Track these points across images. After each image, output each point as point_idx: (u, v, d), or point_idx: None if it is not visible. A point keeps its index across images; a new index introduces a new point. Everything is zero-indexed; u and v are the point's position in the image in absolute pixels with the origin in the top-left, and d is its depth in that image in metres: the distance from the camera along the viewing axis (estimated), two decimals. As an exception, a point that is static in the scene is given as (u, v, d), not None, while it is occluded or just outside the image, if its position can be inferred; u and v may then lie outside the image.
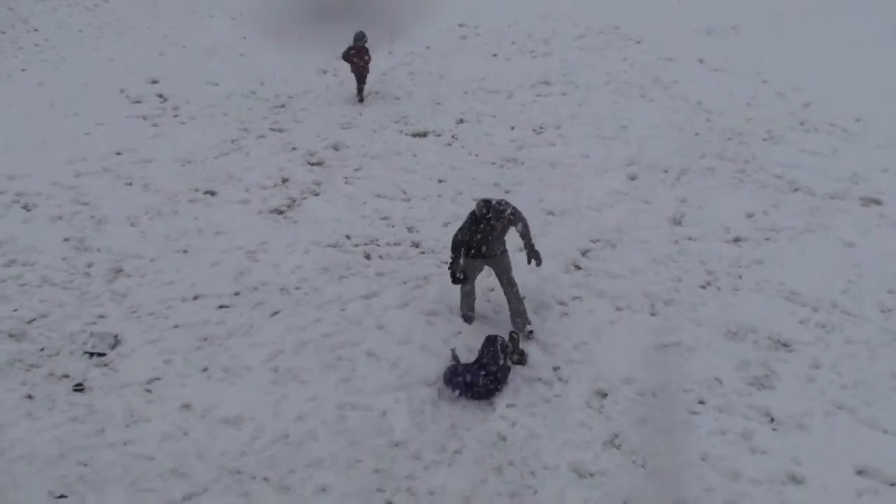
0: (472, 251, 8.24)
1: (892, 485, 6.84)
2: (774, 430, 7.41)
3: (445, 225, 10.35)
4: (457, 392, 7.71)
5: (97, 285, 9.27)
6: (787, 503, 6.72)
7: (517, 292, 8.50)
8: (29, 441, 7.26)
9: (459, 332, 8.59)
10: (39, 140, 11.95)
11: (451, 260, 8.33)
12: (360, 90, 13.82)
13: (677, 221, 10.38)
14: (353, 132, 12.75)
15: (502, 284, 8.52)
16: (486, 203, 8.05)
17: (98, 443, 7.30)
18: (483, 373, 7.71)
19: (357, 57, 13.49)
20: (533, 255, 8.49)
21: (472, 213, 8.16)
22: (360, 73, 13.70)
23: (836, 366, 8.08)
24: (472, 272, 8.51)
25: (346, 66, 13.72)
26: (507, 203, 8.17)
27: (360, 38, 13.38)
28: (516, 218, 8.25)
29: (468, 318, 8.80)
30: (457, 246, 8.25)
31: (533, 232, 8.46)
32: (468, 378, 7.69)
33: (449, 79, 14.56)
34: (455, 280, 8.38)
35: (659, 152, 11.93)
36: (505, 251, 8.44)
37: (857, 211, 10.49)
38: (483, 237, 8.14)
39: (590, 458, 7.17)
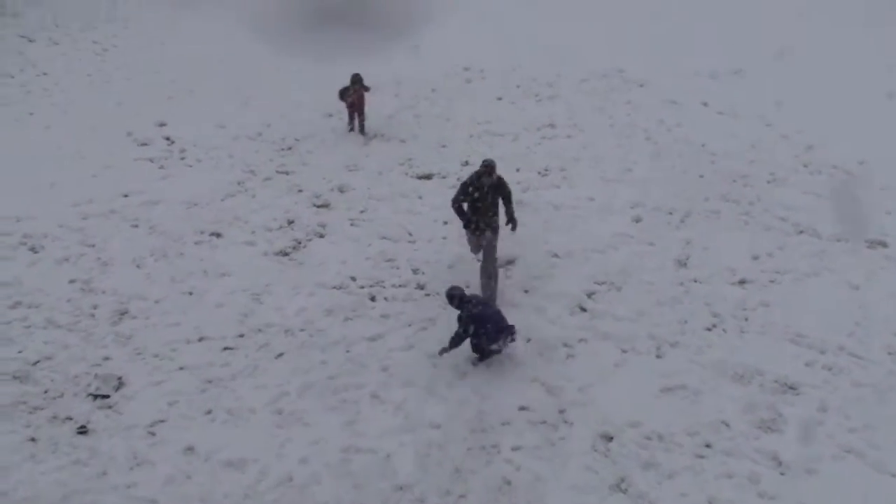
0: (472, 225, 9.37)
1: (902, 530, 6.78)
2: (782, 474, 7.34)
3: (450, 267, 10.36)
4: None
5: (102, 327, 9.28)
6: (797, 549, 6.66)
7: (493, 262, 9.45)
8: (32, 484, 7.23)
9: (465, 374, 8.55)
10: (47, 182, 12.02)
11: (457, 215, 9.51)
12: (361, 124, 14.12)
13: (682, 263, 10.39)
14: (358, 174, 12.82)
15: (485, 255, 9.51)
16: (489, 159, 9.38)
17: (101, 486, 7.26)
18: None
19: (353, 97, 13.89)
20: (512, 220, 9.62)
21: (473, 173, 9.41)
22: (357, 109, 14.05)
23: (844, 409, 8.03)
24: (475, 244, 9.63)
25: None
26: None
27: (356, 80, 13.76)
28: (504, 184, 9.47)
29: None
30: (457, 203, 9.39)
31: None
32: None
33: (454, 122, 14.66)
34: (466, 224, 9.44)
35: (664, 194, 11.98)
36: (497, 228, 9.48)
37: (863, 253, 10.50)
38: (480, 197, 9.23)
39: (596, 503, 7.10)
